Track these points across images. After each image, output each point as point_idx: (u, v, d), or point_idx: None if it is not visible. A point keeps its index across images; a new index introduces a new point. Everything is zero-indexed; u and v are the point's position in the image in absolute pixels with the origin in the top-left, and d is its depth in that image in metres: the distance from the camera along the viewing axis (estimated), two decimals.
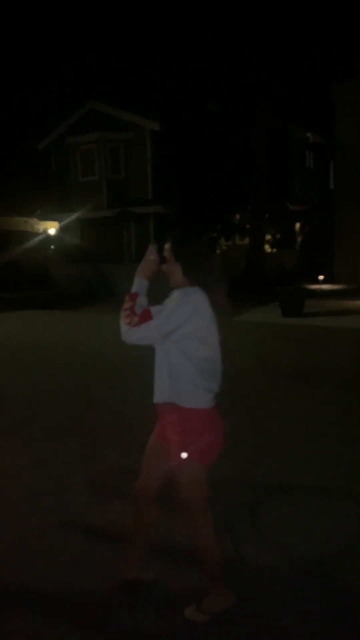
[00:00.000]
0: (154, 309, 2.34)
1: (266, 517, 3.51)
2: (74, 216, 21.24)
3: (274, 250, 21.58)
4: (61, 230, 22.39)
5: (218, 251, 19.48)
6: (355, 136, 20.27)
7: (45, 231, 23.42)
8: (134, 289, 2.42)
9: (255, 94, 18.15)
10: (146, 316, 2.30)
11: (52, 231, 23.19)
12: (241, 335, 10.09)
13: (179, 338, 2.33)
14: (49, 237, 23.31)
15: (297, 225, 23.62)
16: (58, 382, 7.27)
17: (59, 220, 22.38)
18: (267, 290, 15.44)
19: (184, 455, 2.35)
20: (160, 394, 2.44)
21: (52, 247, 22.84)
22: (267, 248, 20.64)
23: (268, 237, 20.91)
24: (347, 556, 3.05)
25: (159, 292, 2.59)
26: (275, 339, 10.31)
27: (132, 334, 2.31)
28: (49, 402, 6.36)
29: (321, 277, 18.48)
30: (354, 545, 3.16)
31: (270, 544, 3.19)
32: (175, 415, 2.39)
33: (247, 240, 19.89)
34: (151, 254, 2.47)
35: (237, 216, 20.30)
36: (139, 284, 2.45)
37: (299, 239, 23.57)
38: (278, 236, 22.07)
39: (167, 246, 2.46)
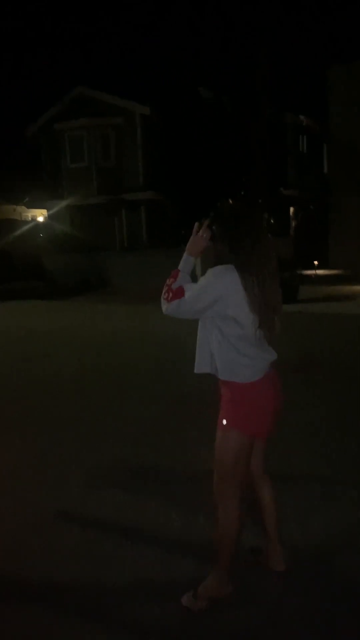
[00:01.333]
0: (188, 286, 2.41)
1: None
2: (63, 203, 20.90)
3: (269, 235, 21.34)
4: (50, 218, 22.04)
5: None
6: (349, 121, 20.03)
7: (34, 219, 23.07)
8: (180, 265, 2.50)
9: (245, 79, 17.81)
10: (179, 293, 2.39)
11: (41, 219, 22.84)
12: None
13: (212, 315, 2.38)
14: (37, 225, 22.95)
15: (292, 210, 23.37)
16: (54, 374, 7.16)
17: (48, 208, 22.03)
18: None
19: (224, 422, 2.45)
20: (200, 365, 2.51)
21: (41, 235, 22.47)
22: None
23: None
24: (346, 544, 3.06)
25: None
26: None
27: (166, 308, 2.43)
28: (45, 394, 6.27)
29: (316, 263, 18.29)
30: (353, 533, 3.16)
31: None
32: (220, 386, 2.52)
33: None
34: (201, 231, 2.47)
35: (222, 204, 20.06)
36: (185, 261, 2.51)
37: (293, 225, 23.34)
38: (272, 221, 21.83)
39: (210, 223, 2.46)
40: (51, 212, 21.81)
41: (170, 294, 2.40)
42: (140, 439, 4.73)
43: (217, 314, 2.36)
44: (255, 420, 2.46)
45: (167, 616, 2.50)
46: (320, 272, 18.38)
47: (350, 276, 17.20)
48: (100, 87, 20.80)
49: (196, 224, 2.50)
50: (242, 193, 18.75)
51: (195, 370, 2.53)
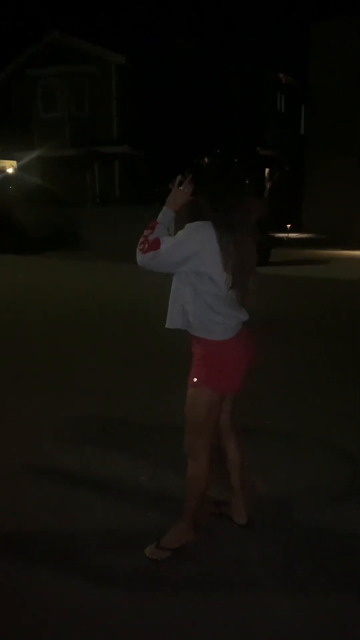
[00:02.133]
0: (165, 239, 2.36)
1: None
2: (34, 154, 20.24)
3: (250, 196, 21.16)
4: (20, 169, 21.35)
5: None
6: (328, 80, 19.72)
7: (3, 170, 22.29)
8: (158, 218, 2.46)
9: (224, 31, 17.24)
10: (155, 244, 2.34)
11: (10, 170, 22.10)
12: None
13: (187, 270, 2.37)
14: (7, 176, 22.21)
15: (267, 171, 23.16)
16: (24, 329, 7.09)
17: (18, 159, 21.29)
18: None
19: (194, 379, 2.47)
20: (172, 320, 2.50)
21: (10, 187, 21.78)
22: None
23: None
24: (306, 495, 3.19)
25: None
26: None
27: (141, 259, 2.39)
28: (13, 349, 6.21)
29: (288, 226, 18.29)
30: (312, 484, 3.30)
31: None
32: (192, 342, 2.53)
33: None
34: (182, 185, 2.45)
35: (207, 160, 19.74)
36: (164, 214, 2.46)
37: (268, 186, 23.18)
38: (247, 182, 21.63)
39: (193, 177, 2.43)
40: (21, 163, 21.11)
41: (146, 245, 2.36)
42: (111, 393, 4.77)
43: (191, 269, 2.35)
44: (226, 378, 2.49)
45: (134, 566, 2.56)
46: (293, 235, 18.42)
47: (323, 240, 17.31)
48: (76, 33, 19.92)
49: (178, 177, 2.46)
50: (217, 150, 18.46)
51: (167, 325, 2.52)
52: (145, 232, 2.41)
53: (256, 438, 3.89)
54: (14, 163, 21.66)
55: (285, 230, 18.22)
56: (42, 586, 2.47)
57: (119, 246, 13.12)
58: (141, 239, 2.40)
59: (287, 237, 17.80)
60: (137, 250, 2.40)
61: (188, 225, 2.36)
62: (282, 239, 17.40)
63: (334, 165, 19.30)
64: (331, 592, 2.43)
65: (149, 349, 5.96)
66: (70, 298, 9.24)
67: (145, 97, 17.78)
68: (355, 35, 18.89)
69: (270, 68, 22.43)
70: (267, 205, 21.51)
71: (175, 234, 2.38)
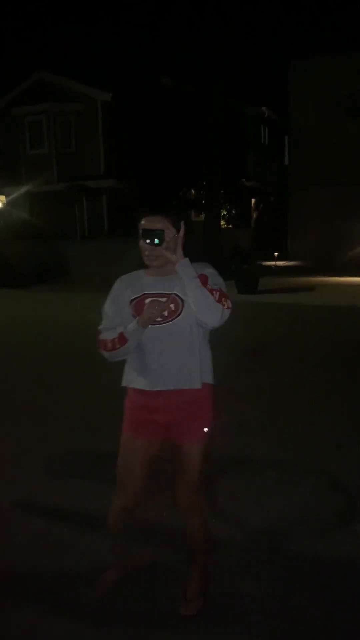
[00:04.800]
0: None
1: (221, 489, 3.58)
2: (22, 190, 20.45)
3: (230, 226, 21.45)
4: (8, 204, 21.53)
5: None
6: (307, 114, 20.26)
7: None
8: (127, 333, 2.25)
9: (211, 71, 17.72)
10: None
11: None
12: None
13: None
14: None
15: (253, 201, 23.54)
16: (10, 364, 7.05)
17: (6, 194, 21.50)
18: (222, 267, 15.33)
19: (206, 430, 2.34)
20: (188, 378, 2.27)
21: None
22: (223, 224, 20.50)
23: (223, 213, 20.74)
24: (299, 525, 3.16)
25: None
26: (230, 316, 10.24)
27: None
28: (0, 382, 6.15)
29: (276, 254, 18.52)
30: (305, 515, 3.27)
31: (225, 516, 3.27)
32: (199, 394, 2.31)
33: (202, 217, 19.67)
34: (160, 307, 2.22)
35: (193, 192, 20.01)
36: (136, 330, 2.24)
37: (254, 216, 23.52)
38: (233, 212, 21.93)
39: (164, 223, 2.19)
40: (9, 198, 21.31)
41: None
42: (99, 427, 4.73)
43: None
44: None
45: (127, 602, 2.51)
46: (280, 263, 18.63)
47: (308, 267, 17.51)
48: (61, 72, 20.37)
49: (156, 301, 2.22)
50: (204, 183, 18.76)
51: (181, 386, 2.27)
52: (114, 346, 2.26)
53: (247, 468, 3.88)
54: (3, 198, 21.87)
55: (273, 259, 18.43)
56: (31, 626, 2.41)
57: (106, 278, 13.14)
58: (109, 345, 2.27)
59: (275, 266, 17.99)
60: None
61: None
62: (269, 267, 17.58)
63: (317, 195, 19.68)
64: (327, 623, 2.40)
65: None
66: (56, 331, 9.23)
67: (130, 133, 18.12)
68: (332, 70, 19.54)
69: (254, 103, 23.02)
70: (254, 235, 21.80)
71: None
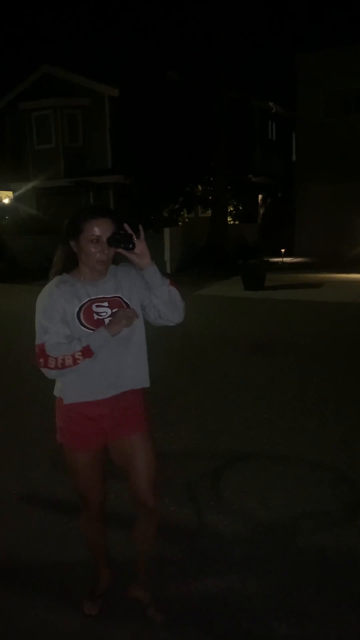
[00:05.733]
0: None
1: (227, 484, 3.60)
2: (29, 185, 20.48)
3: (236, 222, 21.40)
4: (16, 199, 21.58)
5: (180, 223, 19.17)
6: (316, 108, 20.13)
7: None
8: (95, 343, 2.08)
9: (216, 63, 17.65)
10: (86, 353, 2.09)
11: (6, 201, 22.34)
12: (202, 309, 10.02)
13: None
14: (3, 207, 22.44)
15: (260, 197, 23.46)
16: (18, 356, 7.05)
17: (14, 190, 21.54)
18: (229, 264, 15.30)
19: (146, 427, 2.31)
20: (138, 378, 2.26)
21: (6, 217, 22.00)
22: (229, 220, 20.45)
23: (230, 208, 20.67)
24: (305, 520, 3.17)
25: None
26: (236, 313, 10.27)
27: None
28: (7, 375, 6.20)
29: (283, 250, 18.46)
30: (311, 508, 3.28)
31: (231, 510, 3.28)
32: (140, 394, 2.30)
33: (209, 213, 19.63)
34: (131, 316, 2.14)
35: (200, 188, 19.96)
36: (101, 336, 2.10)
37: (261, 212, 23.44)
38: (240, 208, 21.86)
39: (127, 226, 2.14)
40: (17, 193, 21.35)
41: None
42: None
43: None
44: None
45: (134, 596, 2.51)
46: (287, 259, 18.57)
47: (315, 264, 17.44)
48: (68, 67, 20.36)
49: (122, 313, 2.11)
50: (210, 178, 18.71)
51: (138, 386, 2.26)
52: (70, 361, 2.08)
53: (253, 462, 3.90)
54: (10, 194, 21.91)
55: (279, 255, 18.38)
56: (38, 619, 2.43)
57: None
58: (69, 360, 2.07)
59: (282, 262, 17.94)
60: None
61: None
62: (276, 263, 17.52)
63: (325, 190, 19.59)
64: (334, 618, 2.40)
65: None
66: None
67: (137, 128, 18.06)
68: (340, 63, 19.41)
69: (260, 97, 22.92)
70: (261, 231, 21.74)
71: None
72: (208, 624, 2.37)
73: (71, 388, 2.18)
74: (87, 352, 2.06)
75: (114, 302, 2.16)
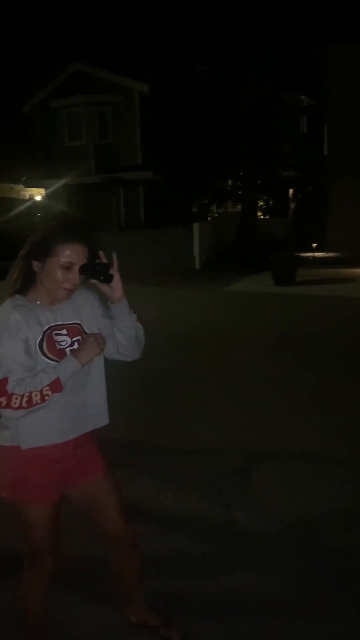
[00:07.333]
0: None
1: (255, 482, 3.60)
2: (61, 182, 20.71)
3: (267, 217, 21.22)
4: (48, 196, 21.86)
5: (209, 218, 19.11)
6: (348, 100, 19.77)
7: (31, 198, 22.86)
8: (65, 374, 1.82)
9: (243, 57, 17.51)
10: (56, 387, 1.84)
11: (38, 198, 22.66)
12: (232, 304, 9.97)
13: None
14: (35, 204, 22.77)
15: (291, 192, 23.21)
16: None
17: (46, 187, 21.83)
18: (259, 258, 15.20)
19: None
20: (100, 415, 2.08)
21: (39, 214, 22.32)
22: (260, 215, 20.28)
23: (260, 203, 20.50)
24: (333, 517, 3.14)
25: None
26: (267, 308, 10.18)
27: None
28: None
29: (314, 245, 18.22)
30: (339, 506, 3.25)
31: (259, 508, 3.27)
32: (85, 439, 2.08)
33: (239, 207, 19.52)
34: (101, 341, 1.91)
35: (229, 182, 19.85)
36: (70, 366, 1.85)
37: (292, 206, 23.19)
38: (271, 203, 21.66)
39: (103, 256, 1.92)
40: (49, 190, 21.63)
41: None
42: (134, 416, 4.76)
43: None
44: None
45: (157, 590, 2.50)
46: (318, 254, 18.33)
47: (347, 258, 17.16)
48: (98, 63, 20.47)
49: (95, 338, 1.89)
50: (240, 173, 18.59)
51: (100, 424, 2.09)
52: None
53: (280, 460, 3.88)
54: (42, 191, 22.22)
55: (311, 250, 18.14)
56: (65, 611, 2.45)
57: (143, 269, 13.26)
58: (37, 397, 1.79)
59: (313, 257, 17.71)
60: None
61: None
62: (307, 258, 17.31)
63: (356, 184, 19.23)
64: (358, 617, 2.36)
65: (168, 373, 5.95)
66: None
67: (167, 124, 18.06)
68: None
69: (290, 90, 22.62)
70: (292, 226, 21.50)
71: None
72: (231, 622, 2.36)
73: (31, 430, 1.86)
74: (56, 385, 1.78)
75: (73, 330, 1.92)
